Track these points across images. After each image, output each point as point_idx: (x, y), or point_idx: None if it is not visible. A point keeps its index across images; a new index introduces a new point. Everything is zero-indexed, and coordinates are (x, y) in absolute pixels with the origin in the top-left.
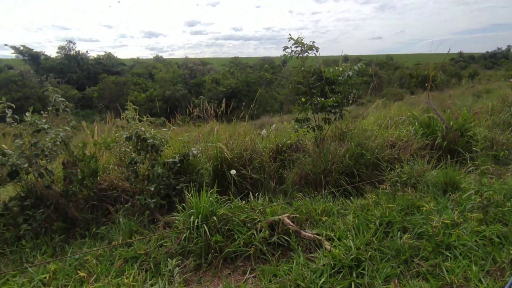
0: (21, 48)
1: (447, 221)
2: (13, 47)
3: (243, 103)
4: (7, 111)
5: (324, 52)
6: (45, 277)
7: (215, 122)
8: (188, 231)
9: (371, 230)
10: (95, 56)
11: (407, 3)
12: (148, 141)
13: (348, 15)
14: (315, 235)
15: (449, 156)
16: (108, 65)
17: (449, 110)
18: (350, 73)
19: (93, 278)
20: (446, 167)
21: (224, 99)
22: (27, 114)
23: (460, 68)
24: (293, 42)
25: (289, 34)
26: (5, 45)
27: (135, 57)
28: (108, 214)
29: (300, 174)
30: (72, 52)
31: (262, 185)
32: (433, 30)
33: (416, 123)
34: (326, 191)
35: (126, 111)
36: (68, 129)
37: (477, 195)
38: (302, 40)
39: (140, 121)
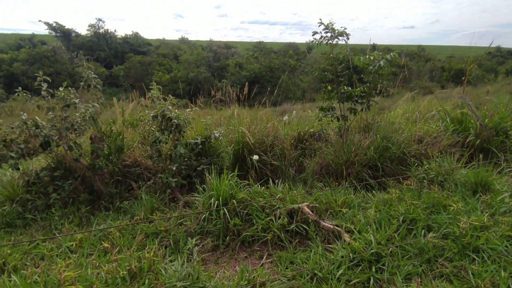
0: (54, 24)
1: (475, 223)
2: (46, 23)
3: (267, 89)
4: (42, 85)
5: (351, 40)
6: (72, 245)
7: (236, 107)
8: (207, 212)
9: (393, 226)
10: (123, 35)
11: None
12: (173, 121)
13: (380, 2)
14: (334, 226)
15: (481, 156)
16: (134, 45)
17: (485, 107)
18: (382, 62)
19: (116, 250)
20: (477, 167)
21: (247, 84)
22: (60, 89)
23: (497, 64)
24: (323, 27)
25: (320, 19)
26: (39, 20)
27: (161, 38)
28: (131, 189)
29: (321, 164)
30: (101, 30)
31: (282, 172)
32: (471, 21)
33: (448, 119)
34: (347, 183)
35: (151, 91)
36: (97, 105)
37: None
38: (332, 25)
39: (165, 100)
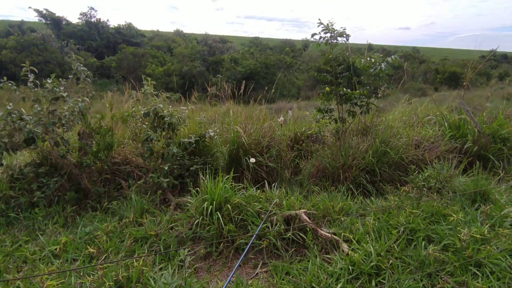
0: (44, 11)
1: (476, 236)
2: (36, 10)
3: (263, 86)
4: (29, 75)
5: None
6: (55, 249)
7: (231, 103)
8: (200, 217)
9: (393, 236)
10: (116, 25)
11: None
12: (166, 119)
13: (376, 2)
14: (332, 235)
15: (478, 163)
16: (127, 35)
17: (483, 113)
18: (383, 65)
19: (104, 256)
20: (476, 175)
21: (242, 80)
22: (48, 80)
23: (490, 67)
24: (322, 27)
25: (319, 19)
26: (29, 7)
27: (155, 30)
28: (120, 188)
29: (318, 167)
30: (93, 19)
31: (278, 174)
32: (466, 24)
33: (446, 124)
34: (344, 187)
35: (144, 87)
36: (87, 99)
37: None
38: (332, 25)
39: (157, 96)
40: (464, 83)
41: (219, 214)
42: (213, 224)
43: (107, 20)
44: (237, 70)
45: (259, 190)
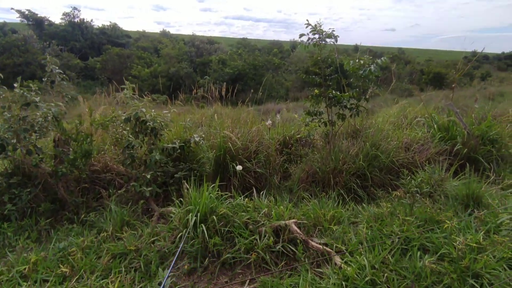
0: (26, 12)
1: (472, 244)
2: (18, 11)
3: (250, 87)
4: None
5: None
6: (25, 268)
7: (219, 105)
8: (184, 230)
9: (387, 246)
10: (100, 25)
11: None
12: (148, 123)
13: (363, 4)
14: (324, 247)
15: (468, 166)
16: (112, 36)
17: (472, 114)
18: (372, 67)
19: (77, 277)
20: (467, 178)
21: (230, 82)
22: (15, 85)
23: (473, 68)
24: (310, 28)
25: (307, 20)
26: (11, 8)
27: (141, 30)
28: (100, 198)
29: (308, 171)
30: (76, 20)
31: (266, 180)
32: (450, 25)
33: (435, 126)
34: (334, 193)
35: (124, 91)
36: (61, 104)
37: (506, 214)
38: (320, 27)
39: (139, 100)
40: (453, 85)
41: (203, 226)
42: (198, 237)
43: (91, 21)
44: (225, 71)
45: (247, 199)
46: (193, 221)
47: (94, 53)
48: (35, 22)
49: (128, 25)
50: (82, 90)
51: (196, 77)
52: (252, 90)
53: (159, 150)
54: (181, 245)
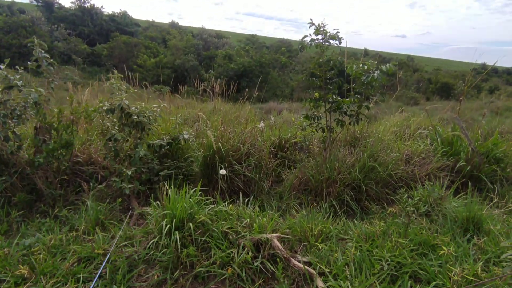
0: None
1: (469, 276)
2: None
3: (255, 85)
4: None
5: (343, 43)
6: None
7: (219, 101)
8: (158, 236)
9: (376, 271)
10: (110, 12)
11: (438, 4)
12: (133, 117)
13: (376, 9)
14: (306, 268)
15: (470, 185)
16: (121, 24)
17: (478, 130)
18: (376, 74)
19: (36, 279)
20: (468, 198)
21: (235, 77)
22: (1, 66)
23: (482, 80)
24: (313, 29)
25: (310, 19)
26: None
27: (151, 20)
28: (81, 191)
29: (301, 178)
30: (87, 5)
31: (256, 185)
32: (461, 36)
33: (438, 139)
34: (326, 204)
35: (110, 80)
36: (41, 90)
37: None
38: (324, 27)
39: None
40: (461, 98)
41: (178, 234)
42: (170, 246)
43: (101, 7)
44: (230, 67)
45: (231, 205)
46: (167, 227)
47: (102, 40)
48: (45, 4)
49: (139, 13)
50: (87, 76)
51: (201, 70)
52: (256, 88)
53: (145, 146)
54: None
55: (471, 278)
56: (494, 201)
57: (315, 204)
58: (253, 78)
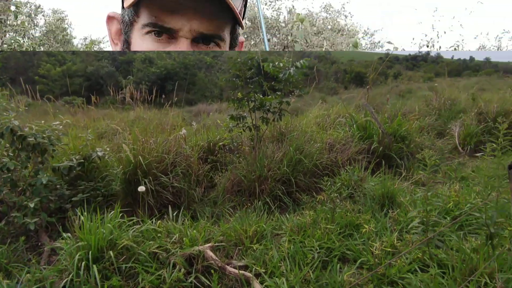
0: None
1: (387, 249)
2: None
3: (184, 88)
4: None
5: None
6: None
7: (141, 108)
8: (74, 272)
9: (309, 261)
10: None
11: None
12: (29, 139)
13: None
14: (241, 273)
15: (384, 164)
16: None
17: (386, 114)
18: (292, 71)
19: None
20: (382, 176)
21: (159, 81)
22: None
23: (387, 67)
24: None
25: None
26: None
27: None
28: None
29: (233, 180)
30: None
31: (186, 194)
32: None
33: (354, 125)
34: (260, 202)
35: None
36: None
37: (417, 212)
38: None
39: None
40: (368, 86)
41: (96, 267)
42: (89, 282)
43: None
44: (151, 71)
45: (159, 221)
46: (82, 263)
47: None
48: None
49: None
50: None
51: (119, 76)
52: (181, 89)
53: (49, 170)
54: None
55: (389, 249)
56: (403, 175)
57: (249, 204)
58: (179, 81)
